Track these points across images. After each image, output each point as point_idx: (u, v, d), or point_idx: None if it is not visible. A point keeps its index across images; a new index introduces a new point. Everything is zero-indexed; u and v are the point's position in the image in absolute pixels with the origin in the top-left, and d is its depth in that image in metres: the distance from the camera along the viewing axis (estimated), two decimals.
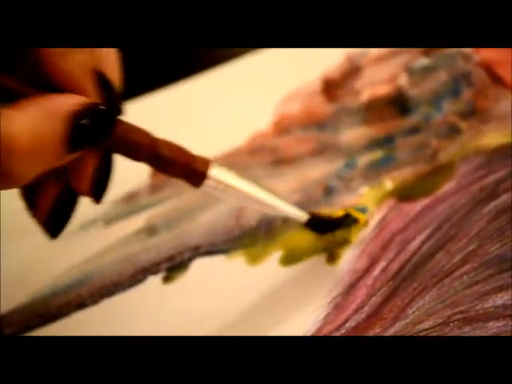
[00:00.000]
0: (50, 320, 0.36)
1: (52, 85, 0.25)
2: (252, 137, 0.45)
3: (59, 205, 0.28)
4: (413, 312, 0.33)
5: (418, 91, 0.46)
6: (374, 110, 0.45)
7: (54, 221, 0.29)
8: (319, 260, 0.37)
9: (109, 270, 0.38)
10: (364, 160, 0.42)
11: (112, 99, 0.27)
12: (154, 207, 0.42)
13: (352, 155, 0.42)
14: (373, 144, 0.43)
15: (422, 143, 0.42)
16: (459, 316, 0.32)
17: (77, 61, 0.25)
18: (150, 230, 0.40)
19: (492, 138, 0.42)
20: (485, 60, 0.47)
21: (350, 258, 0.36)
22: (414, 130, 0.43)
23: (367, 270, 0.36)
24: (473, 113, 0.44)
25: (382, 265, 0.36)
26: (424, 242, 0.36)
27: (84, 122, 0.25)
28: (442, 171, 0.41)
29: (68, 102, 0.25)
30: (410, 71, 0.47)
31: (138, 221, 0.41)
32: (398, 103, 0.45)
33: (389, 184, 0.40)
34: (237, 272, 0.37)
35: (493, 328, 0.32)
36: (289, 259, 0.37)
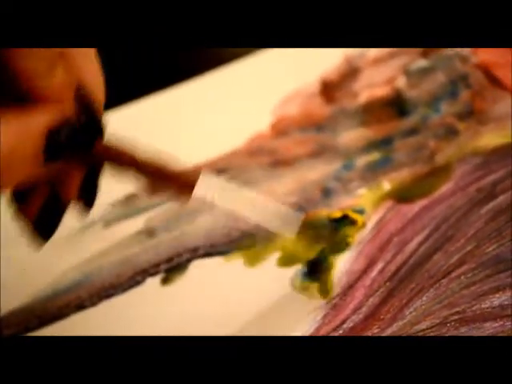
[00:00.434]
0: (49, 321, 0.36)
1: (30, 100, 0.25)
2: (250, 138, 0.45)
3: (47, 210, 0.28)
4: (410, 312, 0.33)
5: (415, 93, 0.46)
6: (372, 112, 0.46)
7: (42, 226, 0.29)
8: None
9: (108, 271, 0.38)
10: (362, 161, 0.42)
11: (92, 117, 0.27)
12: (153, 209, 0.42)
13: (350, 157, 0.43)
14: (371, 145, 0.43)
15: (419, 144, 0.42)
16: (456, 316, 0.33)
17: (57, 82, 0.25)
18: (149, 232, 0.40)
19: (490, 139, 0.42)
20: (483, 62, 0.47)
21: (347, 258, 0.37)
22: (412, 132, 0.43)
23: (365, 271, 0.36)
24: (470, 114, 0.44)
25: (379, 266, 0.36)
26: (422, 243, 0.37)
27: (60, 137, 0.25)
28: (439, 172, 0.41)
29: (44, 116, 0.25)
30: (408, 73, 0.48)
31: (137, 222, 0.41)
32: (396, 105, 0.46)
33: (387, 185, 0.40)
34: (235, 273, 0.37)
35: (490, 328, 0.32)
36: (287, 260, 0.37)
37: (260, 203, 0.31)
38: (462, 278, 0.34)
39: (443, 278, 0.35)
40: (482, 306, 0.33)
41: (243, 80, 0.49)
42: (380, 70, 0.48)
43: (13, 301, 0.37)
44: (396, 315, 0.33)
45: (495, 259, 0.35)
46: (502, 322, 0.32)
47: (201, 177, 0.29)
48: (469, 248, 0.36)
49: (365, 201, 0.40)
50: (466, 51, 0.48)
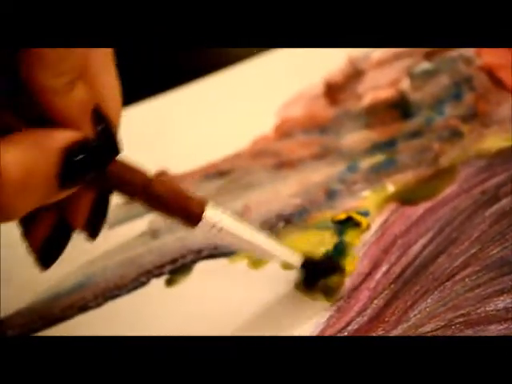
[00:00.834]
0: (53, 322, 0.36)
1: (46, 119, 0.25)
2: (254, 140, 0.45)
3: (53, 236, 0.28)
4: (415, 315, 0.33)
5: (419, 95, 0.46)
6: (376, 114, 0.46)
7: (46, 252, 0.28)
8: None
9: (112, 272, 0.38)
10: (366, 163, 0.42)
11: (108, 137, 0.26)
12: None
13: (354, 159, 0.43)
14: (375, 148, 0.43)
15: (423, 147, 0.42)
16: (461, 319, 0.33)
17: (76, 100, 0.25)
18: (154, 233, 0.40)
19: (493, 141, 0.42)
20: (486, 64, 0.47)
21: (352, 260, 0.37)
22: (416, 134, 0.43)
23: (369, 273, 0.36)
24: (474, 116, 0.44)
25: (384, 268, 0.36)
26: (426, 246, 0.37)
27: (77, 158, 0.25)
28: (443, 175, 0.41)
29: (61, 137, 0.24)
30: (412, 75, 0.48)
31: (142, 224, 0.41)
32: (400, 107, 0.46)
33: (391, 187, 0.40)
34: (239, 275, 0.37)
35: (495, 331, 0.32)
36: None
37: (263, 242, 0.32)
38: (467, 280, 0.34)
39: (447, 280, 0.35)
40: (487, 308, 0.33)
41: (247, 82, 0.49)
42: (384, 72, 0.48)
43: (17, 302, 0.37)
44: (400, 317, 0.33)
45: (499, 262, 0.35)
46: (506, 325, 0.32)
47: (208, 208, 0.29)
48: (473, 250, 0.36)
49: (369, 203, 0.40)
50: (469, 53, 0.48)
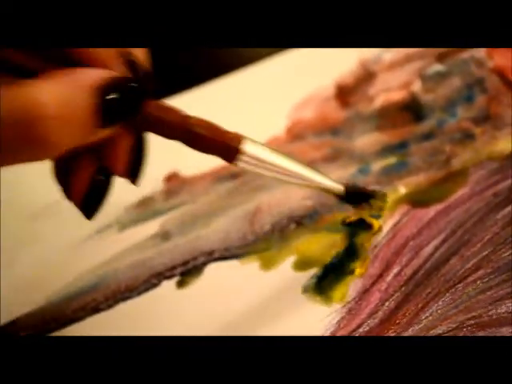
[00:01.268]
0: (65, 324, 0.37)
1: (77, 63, 0.25)
2: (266, 142, 0.45)
3: (94, 186, 0.28)
4: (426, 317, 0.33)
5: (431, 97, 0.46)
6: (388, 116, 0.46)
7: (89, 202, 0.28)
8: None
9: (123, 274, 0.38)
10: (377, 166, 0.42)
11: (140, 78, 0.27)
12: (169, 212, 0.42)
13: (366, 161, 0.43)
14: (386, 150, 0.43)
15: (435, 149, 0.42)
16: (472, 321, 0.32)
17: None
18: (165, 235, 0.40)
19: (505, 143, 0.42)
20: (498, 66, 0.47)
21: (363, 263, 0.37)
22: (428, 136, 0.43)
23: (381, 275, 0.36)
24: (486, 119, 0.44)
25: (395, 270, 0.36)
26: (437, 248, 0.36)
27: (113, 95, 0.25)
28: (455, 177, 0.41)
29: (96, 75, 0.25)
30: (424, 77, 0.47)
31: (153, 226, 0.41)
32: (412, 109, 0.45)
33: (402, 190, 0.40)
34: (251, 276, 0.37)
35: (506, 333, 0.32)
36: (302, 264, 0.37)
37: (302, 170, 0.31)
38: (478, 282, 0.34)
39: (459, 282, 0.34)
40: (498, 310, 0.33)
41: (258, 84, 0.49)
42: (396, 75, 0.48)
43: (29, 303, 0.38)
44: (412, 320, 0.33)
45: (511, 264, 0.35)
46: None
47: (245, 141, 0.29)
48: (485, 253, 0.36)
49: None
50: (481, 55, 0.48)
